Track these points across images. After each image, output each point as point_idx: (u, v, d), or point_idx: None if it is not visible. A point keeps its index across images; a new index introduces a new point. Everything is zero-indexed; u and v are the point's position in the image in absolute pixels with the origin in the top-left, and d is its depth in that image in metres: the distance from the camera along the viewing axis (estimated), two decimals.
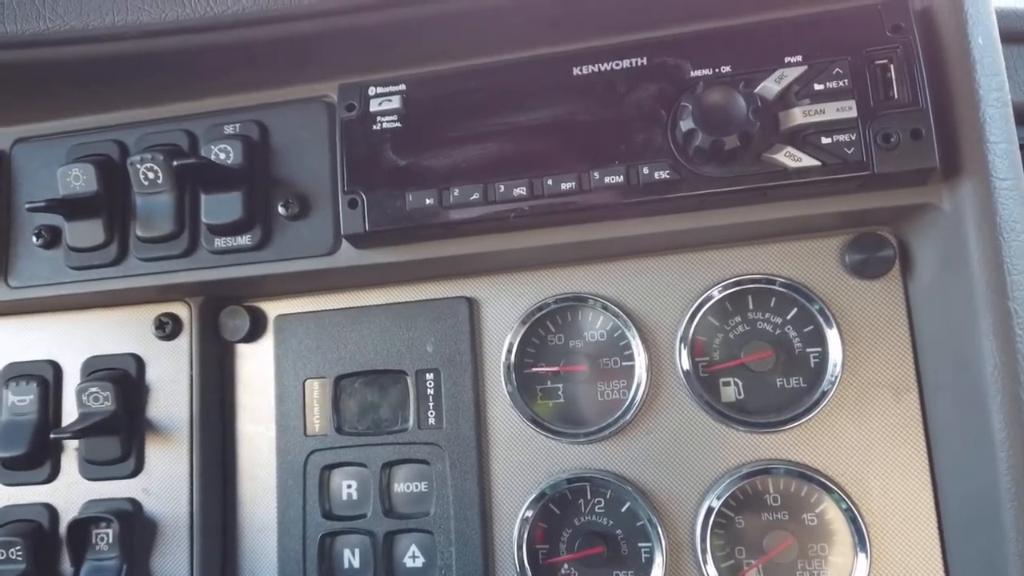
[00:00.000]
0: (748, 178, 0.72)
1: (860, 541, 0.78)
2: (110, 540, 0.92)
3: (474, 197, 0.77)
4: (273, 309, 0.97)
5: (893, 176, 0.71)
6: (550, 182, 0.76)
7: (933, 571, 0.78)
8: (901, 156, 0.69)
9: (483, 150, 0.77)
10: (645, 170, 0.74)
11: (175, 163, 0.81)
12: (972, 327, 0.70)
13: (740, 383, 0.85)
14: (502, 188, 0.76)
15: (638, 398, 0.85)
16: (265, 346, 0.97)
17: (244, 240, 0.86)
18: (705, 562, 0.81)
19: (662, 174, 0.74)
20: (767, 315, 0.84)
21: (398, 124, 0.79)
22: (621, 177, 0.74)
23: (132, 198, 0.88)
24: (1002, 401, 0.68)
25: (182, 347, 0.95)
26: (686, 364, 0.84)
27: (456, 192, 0.77)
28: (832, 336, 0.81)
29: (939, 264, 0.75)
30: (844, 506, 0.79)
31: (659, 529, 0.83)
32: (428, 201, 0.78)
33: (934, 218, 0.74)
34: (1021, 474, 0.67)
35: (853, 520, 0.79)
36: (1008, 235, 0.69)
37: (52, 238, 0.90)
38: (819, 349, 0.82)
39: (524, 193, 0.76)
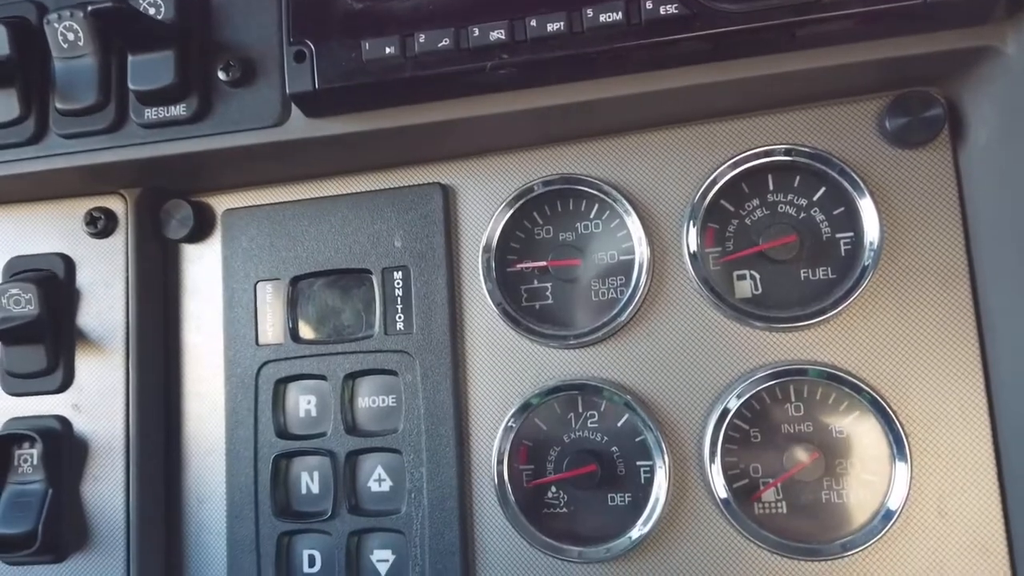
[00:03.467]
0: (773, 12, 0.60)
1: (899, 450, 0.67)
2: (34, 462, 0.82)
3: (443, 44, 0.65)
4: (221, 203, 0.86)
5: (946, 7, 0.58)
6: (534, 23, 0.63)
7: (986, 485, 0.67)
8: None
9: None
10: (649, 4, 0.61)
11: (90, 8, 0.68)
12: None
13: (758, 276, 0.73)
14: (476, 32, 0.64)
15: (638, 295, 0.74)
16: (213, 246, 0.86)
17: (179, 110, 0.74)
18: (715, 482, 0.70)
19: (670, 8, 0.61)
20: (790, 196, 0.72)
21: None
22: (620, 14, 0.62)
23: (51, 66, 0.76)
24: None
25: (117, 246, 0.84)
26: (694, 255, 0.72)
27: (421, 38, 0.65)
28: (868, 216, 0.69)
29: (1000, 125, 0.64)
30: (880, 412, 0.67)
31: (661, 445, 0.72)
32: (388, 50, 0.65)
33: (995, 66, 0.62)
34: None
35: (891, 427, 0.67)
36: None
37: None
38: (851, 233, 0.70)
39: (503, 37, 0.64)
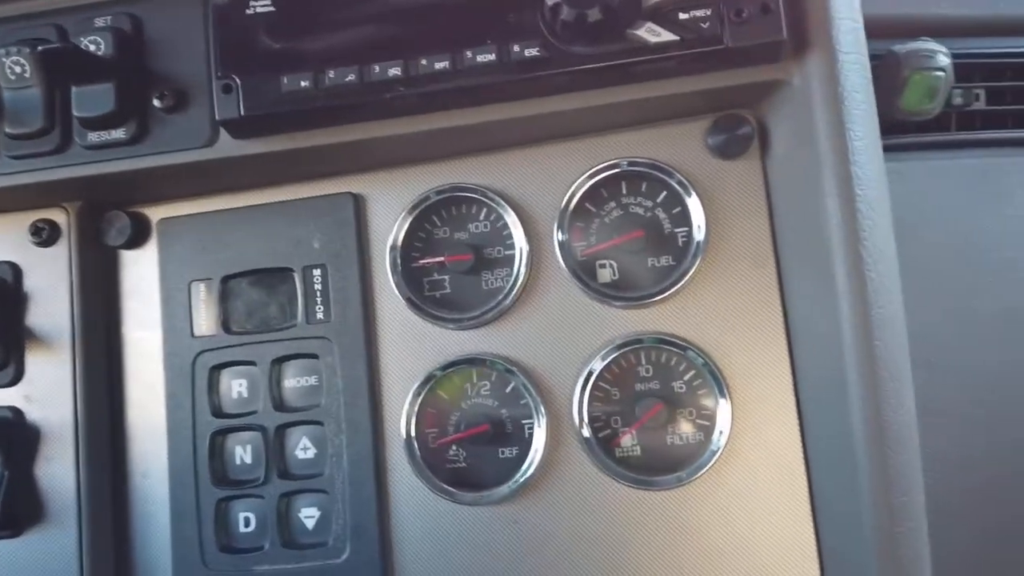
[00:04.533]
0: (613, 54, 0.75)
1: (723, 398, 0.84)
2: None
3: (350, 79, 0.78)
4: (156, 213, 0.96)
5: (746, 51, 0.75)
6: (424, 62, 0.77)
7: (789, 422, 0.84)
8: (752, 30, 0.74)
9: (358, 32, 0.78)
10: (516, 48, 0.76)
11: (39, 48, 0.79)
12: (819, 192, 0.75)
13: (615, 264, 0.89)
14: (377, 69, 0.77)
15: (519, 283, 0.88)
16: (150, 252, 0.96)
17: (119, 134, 0.84)
18: (583, 432, 0.86)
19: (532, 52, 0.76)
20: (639, 199, 0.89)
21: (271, 8, 0.79)
22: (493, 56, 0.76)
23: (1, 95, 0.85)
24: (844, 256, 0.73)
25: (61, 254, 0.93)
26: (564, 249, 0.88)
27: (331, 74, 0.78)
28: (696, 214, 0.85)
29: (791, 138, 0.80)
30: (708, 369, 0.84)
31: (540, 406, 0.87)
32: (303, 83, 0.78)
33: (786, 94, 0.79)
34: (863, 324, 0.73)
35: (716, 380, 0.84)
36: (850, 103, 0.75)
37: None
38: (686, 228, 0.87)
39: (399, 74, 0.77)
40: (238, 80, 0.79)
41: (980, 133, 1.18)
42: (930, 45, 1.09)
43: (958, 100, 1.17)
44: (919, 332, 1.10)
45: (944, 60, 1.08)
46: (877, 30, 1.10)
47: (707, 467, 0.83)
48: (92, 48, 0.83)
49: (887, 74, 1.08)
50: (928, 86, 1.07)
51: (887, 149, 1.07)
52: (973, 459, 1.14)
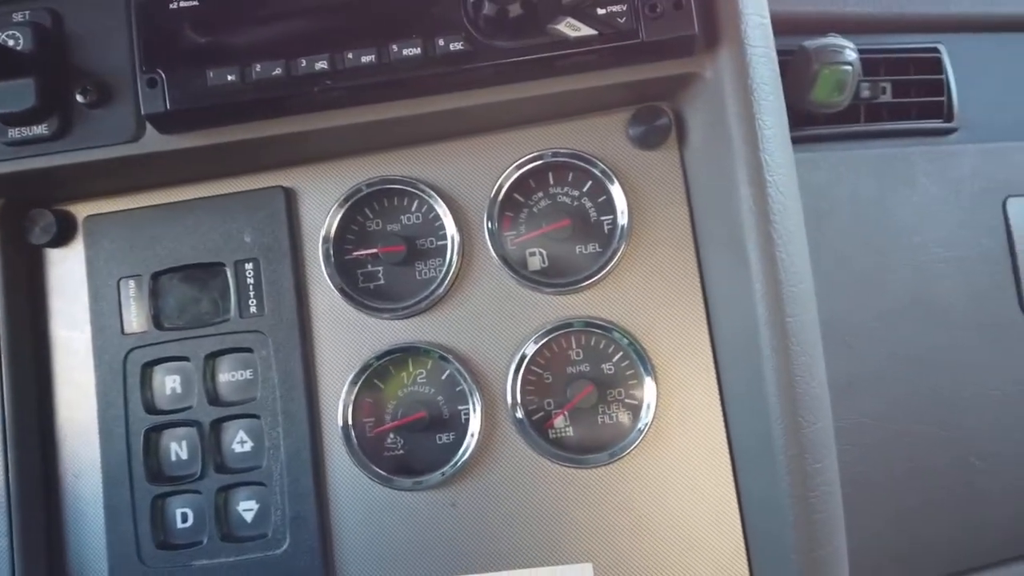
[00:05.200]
0: (535, 48, 0.78)
1: (645, 370, 0.88)
2: None
3: (276, 73, 0.78)
4: (83, 210, 0.95)
5: (660, 44, 0.78)
6: (350, 56, 0.78)
7: (711, 400, 0.88)
8: (665, 24, 0.77)
9: (284, 26, 0.79)
10: (441, 42, 0.78)
11: None
12: (732, 179, 0.79)
13: (544, 252, 0.92)
14: (304, 63, 0.78)
15: (452, 272, 0.90)
16: (76, 249, 0.95)
17: (40, 130, 0.83)
18: (517, 415, 0.88)
19: (457, 46, 0.78)
20: (566, 188, 0.92)
21: (195, 2, 0.79)
22: (419, 49, 0.78)
23: None
24: (757, 238, 0.78)
25: None
26: (494, 238, 0.90)
27: (258, 68, 0.78)
28: (620, 202, 0.89)
29: (706, 128, 0.84)
30: (634, 351, 0.88)
31: (476, 391, 0.89)
32: (230, 78, 0.79)
33: (700, 86, 0.83)
34: (775, 301, 0.77)
35: (642, 361, 0.88)
36: (759, 94, 0.79)
37: None
38: (611, 216, 0.90)
39: (326, 68, 0.78)
40: (163, 74, 0.79)
41: (887, 124, 1.26)
42: (839, 41, 1.16)
43: (866, 93, 1.24)
44: (835, 316, 1.17)
45: (852, 55, 1.14)
46: (788, 26, 1.17)
47: (635, 444, 0.87)
48: (10, 43, 0.82)
49: (799, 68, 1.14)
50: (837, 79, 1.13)
51: (800, 140, 1.14)
52: (889, 436, 1.21)
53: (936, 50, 1.28)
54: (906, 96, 1.27)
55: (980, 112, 1.31)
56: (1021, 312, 1.27)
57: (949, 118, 1.28)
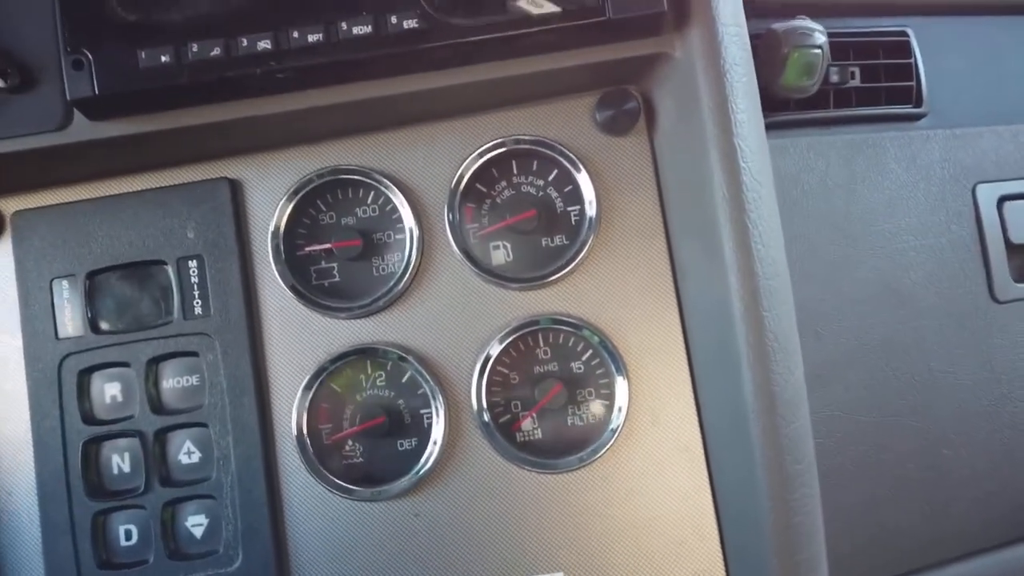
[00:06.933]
0: (495, 26, 0.73)
1: (620, 377, 0.83)
2: None
3: (215, 53, 0.72)
4: (9, 205, 0.88)
5: (627, 22, 0.74)
6: (296, 34, 0.73)
7: (685, 399, 0.85)
8: (633, 1, 0.73)
9: (223, 2, 0.73)
10: (394, 19, 0.73)
11: None
12: (705, 165, 0.75)
13: (509, 245, 0.87)
14: (245, 42, 0.72)
15: (411, 268, 0.85)
16: (4, 247, 0.88)
17: None
18: (483, 418, 0.84)
19: (411, 23, 0.73)
20: (531, 178, 0.87)
21: None
22: (369, 27, 0.73)
23: None
24: (731, 228, 0.74)
25: None
26: (456, 231, 0.85)
27: (195, 48, 0.72)
28: (587, 191, 0.84)
29: (676, 112, 0.80)
30: (605, 348, 0.84)
31: (438, 394, 0.84)
32: (164, 59, 0.72)
33: (670, 67, 0.78)
34: (751, 295, 0.74)
35: (613, 359, 0.84)
36: (732, 76, 0.75)
37: None
38: (578, 206, 0.86)
39: (269, 48, 0.72)
40: (90, 55, 0.72)
41: (856, 110, 1.23)
42: (808, 23, 1.12)
43: (835, 78, 1.21)
44: (805, 303, 1.14)
45: (821, 38, 1.11)
46: (756, 9, 1.13)
47: (607, 446, 0.83)
48: None
49: (768, 51, 1.10)
50: (806, 63, 1.10)
51: (770, 127, 1.10)
52: (860, 426, 1.19)
53: (905, 33, 1.26)
54: (875, 81, 1.24)
55: (948, 96, 1.29)
56: (990, 299, 1.26)
57: (918, 103, 1.26)
